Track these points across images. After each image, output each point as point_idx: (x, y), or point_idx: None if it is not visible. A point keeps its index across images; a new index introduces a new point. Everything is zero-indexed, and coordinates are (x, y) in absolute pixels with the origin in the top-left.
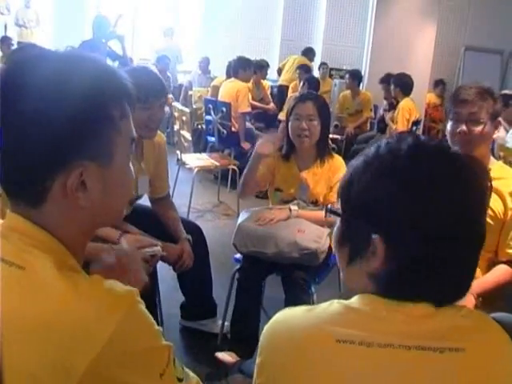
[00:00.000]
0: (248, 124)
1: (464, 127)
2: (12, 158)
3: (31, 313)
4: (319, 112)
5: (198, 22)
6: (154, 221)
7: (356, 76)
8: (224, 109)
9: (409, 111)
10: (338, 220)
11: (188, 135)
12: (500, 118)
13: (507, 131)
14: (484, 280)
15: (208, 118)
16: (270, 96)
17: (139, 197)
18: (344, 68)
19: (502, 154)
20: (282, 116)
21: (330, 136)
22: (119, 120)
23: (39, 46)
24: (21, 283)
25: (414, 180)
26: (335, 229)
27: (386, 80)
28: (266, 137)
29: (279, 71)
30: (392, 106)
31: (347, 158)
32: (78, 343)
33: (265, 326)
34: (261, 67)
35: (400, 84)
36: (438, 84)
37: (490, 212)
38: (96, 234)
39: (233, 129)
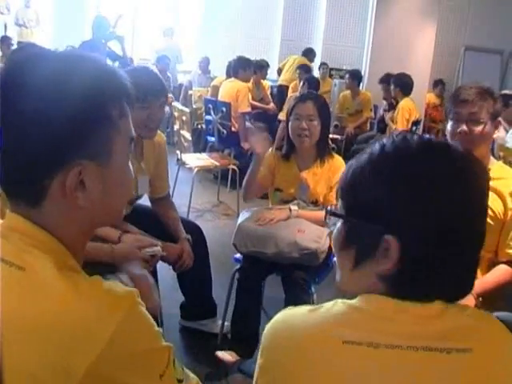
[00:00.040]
0: (248, 124)
1: (464, 127)
2: (12, 157)
3: (31, 313)
4: (319, 112)
5: (197, 22)
6: (154, 221)
7: (356, 76)
8: (224, 109)
9: (409, 111)
10: (338, 222)
11: (188, 135)
12: (500, 118)
13: (507, 131)
14: (484, 280)
15: (208, 117)
16: (269, 96)
17: (139, 197)
18: (344, 68)
19: (501, 154)
20: (281, 116)
21: (330, 136)
22: (118, 119)
23: (39, 45)
24: (21, 284)
25: (427, 179)
26: (335, 232)
27: (386, 80)
28: (257, 136)
29: (279, 71)
30: (391, 107)
31: (347, 157)
32: (78, 343)
33: (266, 326)
34: (261, 67)
35: (400, 84)
36: (437, 84)
37: (489, 212)
38: (96, 233)
39: (233, 129)
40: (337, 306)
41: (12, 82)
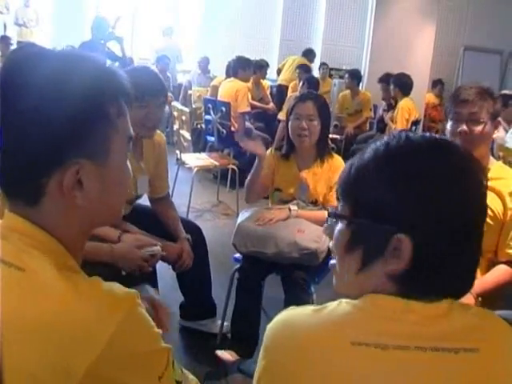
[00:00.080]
0: (247, 123)
1: (464, 127)
2: (11, 157)
3: (31, 313)
4: (319, 112)
5: (197, 22)
6: (154, 220)
7: (355, 76)
8: (223, 108)
9: (408, 111)
10: (338, 225)
11: (187, 135)
12: (500, 118)
13: (507, 131)
14: (484, 280)
15: (207, 117)
16: (269, 96)
17: (139, 196)
18: (344, 68)
19: (501, 153)
20: (281, 116)
21: (330, 136)
22: (116, 118)
23: (39, 45)
24: (20, 284)
25: (440, 176)
26: (337, 234)
27: (385, 80)
28: (255, 140)
29: (278, 72)
30: (391, 106)
31: (346, 157)
32: (78, 344)
33: (267, 326)
34: (260, 67)
35: (399, 84)
36: (437, 84)
37: (489, 212)
38: (95, 233)
39: (232, 128)
40: (342, 306)
41: (11, 81)
